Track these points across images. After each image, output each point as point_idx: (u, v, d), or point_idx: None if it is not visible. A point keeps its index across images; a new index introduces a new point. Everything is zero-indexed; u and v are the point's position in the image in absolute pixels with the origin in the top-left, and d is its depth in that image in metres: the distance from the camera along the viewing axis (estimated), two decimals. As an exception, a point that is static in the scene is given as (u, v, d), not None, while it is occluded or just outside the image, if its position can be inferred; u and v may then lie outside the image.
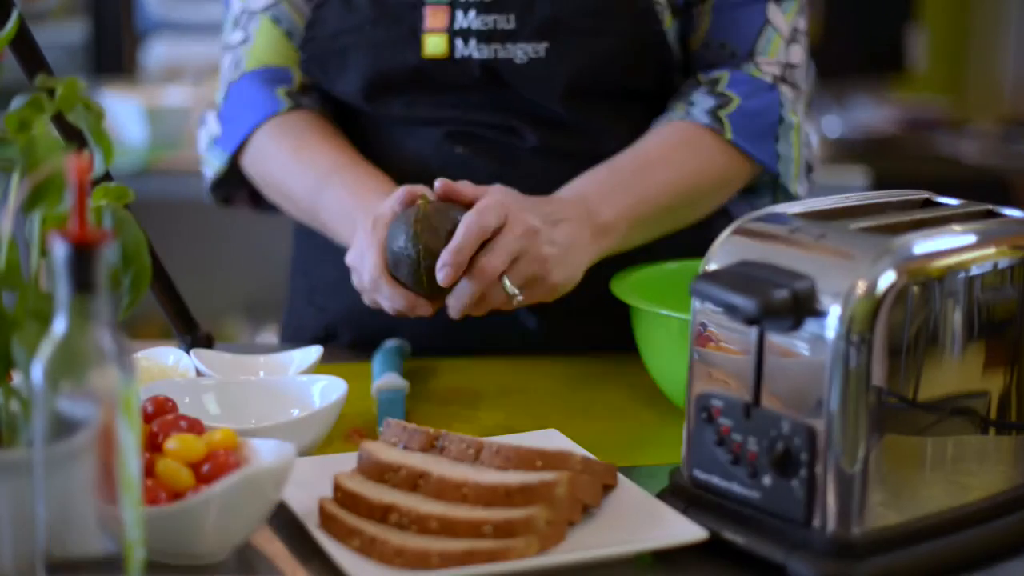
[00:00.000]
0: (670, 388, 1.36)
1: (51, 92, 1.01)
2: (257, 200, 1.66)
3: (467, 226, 1.31)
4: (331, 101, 1.61)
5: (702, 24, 1.52)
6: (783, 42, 1.51)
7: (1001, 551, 1.09)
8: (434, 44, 1.48)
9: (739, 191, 1.59)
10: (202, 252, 3.49)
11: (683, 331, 1.25)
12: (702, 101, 1.49)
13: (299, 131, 1.54)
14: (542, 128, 1.51)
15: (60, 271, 0.86)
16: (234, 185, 1.63)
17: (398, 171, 1.54)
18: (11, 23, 1.09)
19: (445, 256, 1.31)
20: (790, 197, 1.54)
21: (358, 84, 1.52)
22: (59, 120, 1.07)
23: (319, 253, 1.63)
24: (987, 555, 1.08)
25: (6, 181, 0.99)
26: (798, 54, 1.53)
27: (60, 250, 0.86)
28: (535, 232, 1.34)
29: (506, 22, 1.47)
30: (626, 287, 1.40)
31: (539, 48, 1.47)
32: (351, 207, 1.45)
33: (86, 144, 1.05)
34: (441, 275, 1.31)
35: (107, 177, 1.11)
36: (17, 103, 1.00)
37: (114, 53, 3.74)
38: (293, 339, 1.67)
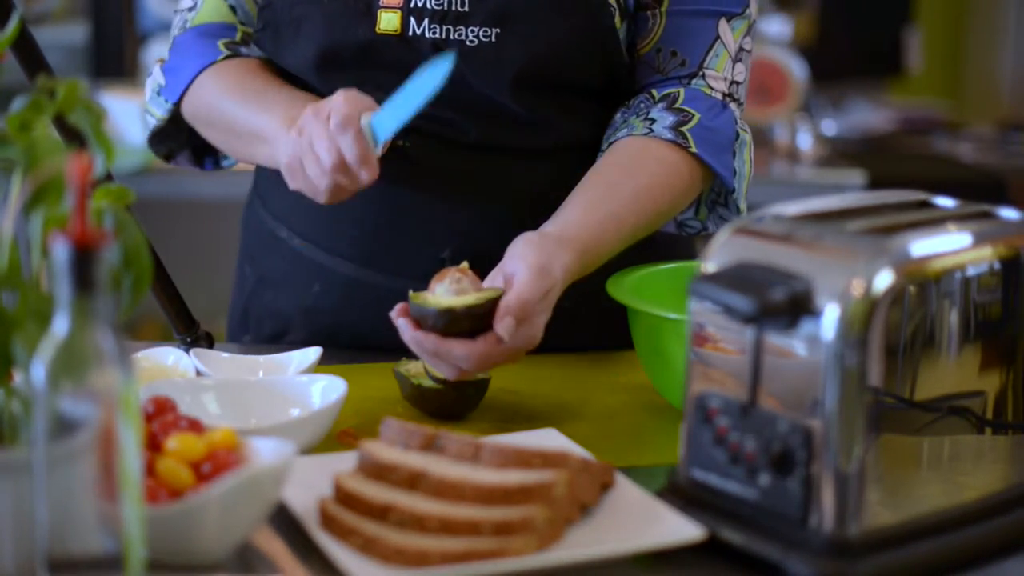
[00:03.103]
0: (667, 389, 1.37)
1: (52, 93, 1.02)
2: (199, 157, 1.67)
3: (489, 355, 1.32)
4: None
5: (656, 28, 1.53)
6: (729, 60, 1.54)
7: (997, 550, 1.09)
8: (388, 20, 1.49)
9: None
10: (202, 252, 3.49)
11: (679, 332, 1.25)
12: (663, 118, 1.50)
13: (240, 70, 1.57)
14: (484, 122, 1.51)
15: (61, 271, 0.86)
16: (174, 140, 1.65)
17: None
18: (12, 25, 1.10)
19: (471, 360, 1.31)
20: (712, 214, 1.57)
21: (310, 56, 1.52)
22: (60, 121, 1.07)
23: (268, 244, 1.65)
24: (983, 554, 1.08)
25: (7, 182, 0.99)
26: (741, 72, 1.55)
27: (61, 251, 0.86)
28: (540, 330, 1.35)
29: (460, 4, 1.48)
30: (623, 288, 1.40)
31: (490, 33, 1.48)
32: (288, 112, 1.47)
33: (87, 145, 1.05)
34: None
35: (108, 178, 1.12)
36: (18, 104, 1.00)
37: (115, 55, 3.74)
38: (239, 333, 1.68)
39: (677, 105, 1.51)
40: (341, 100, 1.37)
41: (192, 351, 1.39)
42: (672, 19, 1.53)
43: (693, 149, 1.48)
